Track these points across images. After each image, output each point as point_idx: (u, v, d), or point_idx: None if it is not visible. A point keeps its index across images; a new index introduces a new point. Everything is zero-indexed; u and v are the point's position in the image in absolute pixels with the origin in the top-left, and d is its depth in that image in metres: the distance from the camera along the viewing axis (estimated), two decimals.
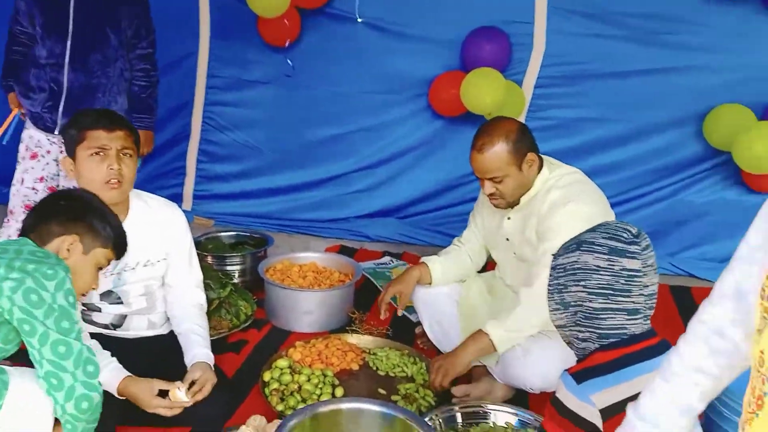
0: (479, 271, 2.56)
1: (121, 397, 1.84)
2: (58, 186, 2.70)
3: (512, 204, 2.19)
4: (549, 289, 1.39)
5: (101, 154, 1.87)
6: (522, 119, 3.48)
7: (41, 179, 2.69)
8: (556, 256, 1.40)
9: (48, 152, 2.70)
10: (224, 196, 3.88)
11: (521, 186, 2.15)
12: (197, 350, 1.98)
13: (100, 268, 1.70)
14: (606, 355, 1.30)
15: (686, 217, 3.46)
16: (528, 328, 2.06)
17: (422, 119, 3.72)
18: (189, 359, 1.98)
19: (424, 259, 2.44)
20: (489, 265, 2.78)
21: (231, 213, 3.84)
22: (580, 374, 1.29)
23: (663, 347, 1.32)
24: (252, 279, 2.90)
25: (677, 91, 3.35)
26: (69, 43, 2.59)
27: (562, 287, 1.36)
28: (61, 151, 2.63)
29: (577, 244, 1.35)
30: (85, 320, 2.01)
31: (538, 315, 2.00)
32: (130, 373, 1.85)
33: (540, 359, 2.01)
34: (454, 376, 2.13)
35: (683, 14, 3.27)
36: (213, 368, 1.96)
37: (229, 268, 2.89)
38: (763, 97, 3.21)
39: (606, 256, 1.30)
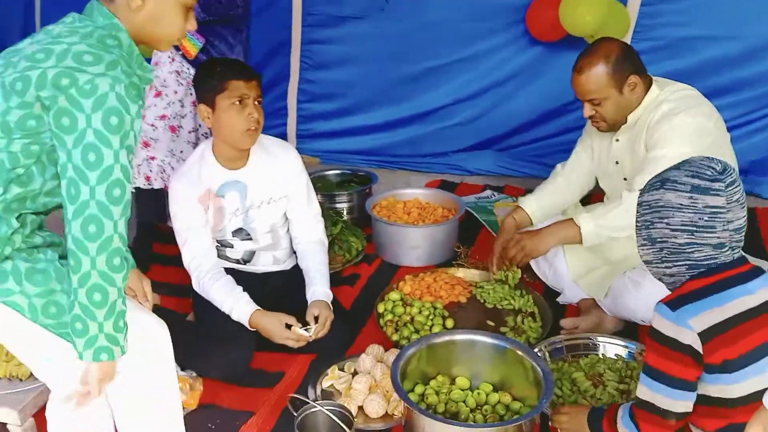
0: (584, 204, 2.55)
1: (251, 329, 2.02)
2: (179, 126, 2.76)
3: (614, 126, 2.16)
4: (636, 225, 1.42)
5: (241, 103, 1.98)
6: (628, 40, 3.31)
7: (162, 117, 2.74)
8: (642, 192, 1.42)
9: (175, 92, 2.73)
10: (326, 134, 3.99)
11: (622, 108, 2.12)
12: (316, 287, 2.13)
13: (188, 8, 1.41)
14: (698, 283, 1.34)
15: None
16: (618, 229, 2.07)
17: (519, 46, 3.61)
18: (309, 295, 2.13)
19: (519, 201, 2.45)
20: (594, 197, 2.75)
21: (333, 150, 3.95)
22: (675, 302, 1.33)
23: (755, 272, 1.36)
24: (360, 216, 3.02)
25: None
26: None
27: (649, 224, 1.39)
28: (189, 93, 2.72)
29: (661, 181, 1.38)
30: (219, 256, 2.20)
31: (631, 220, 2.01)
32: (259, 308, 2.02)
33: (652, 291, 2.00)
34: (532, 256, 2.23)
35: None
36: (330, 305, 2.11)
37: (338, 205, 3.02)
38: None
39: (688, 194, 1.32)
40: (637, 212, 1.43)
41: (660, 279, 1.44)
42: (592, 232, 2.09)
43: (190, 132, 2.77)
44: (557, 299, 2.39)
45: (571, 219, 2.14)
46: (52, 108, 1.24)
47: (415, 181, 3.58)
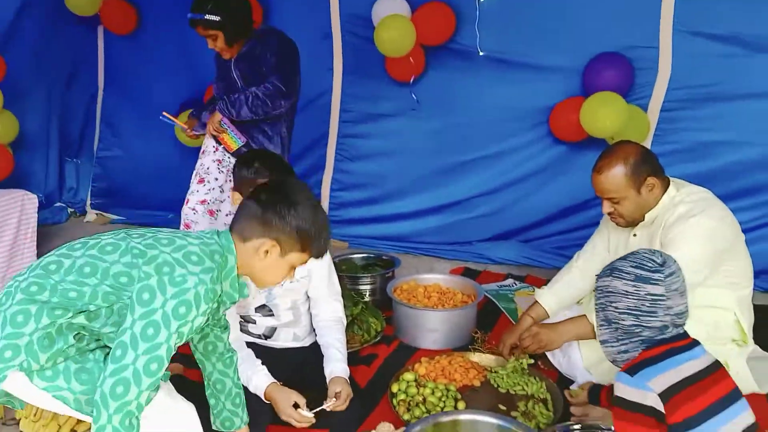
0: None
1: (266, 401, 2.11)
2: (218, 210, 3.03)
3: (632, 223, 2.26)
4: (595, 308, 1.60)
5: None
6: (648, 144, 3.47)
7: (203, 202, 3.03)
8: (597, 277, 1.61)
9: (215, 179, 3.05)
10: (356, 221, 4.18)
11: (640, 207, 2.22)
12: (336, 365, 2.22)
13: (294, 267, 1.71)
14: (650, 352, 1.51)
15: None
16: None
17: (544, 145, 3.80)
18: (328, 371, 2.21)
19: (536, 295, 2.55)
20: None
21: (362, 236, 4.12)
22: (632, 368, 1.49)
23: (695, 343, 1.56)
24: (381, 298, 3.13)
25: None
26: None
27: (603, 306, 1.58)
28: (228, 180, 2.99)
29: (610, 269, 1.58)
30: (242, 330, 2.32)
31: None
32: (275, 380, 2.11)
33: None
34: (546, 349, 2.34)
35: None
36: (349, 381, 2.19)
37: (360, 287, 3.14)
38: None
39: (632, 283, 1.52)
40: (596, 295, 1.61)
41: (613, 360, 1.61)
42: None
43: (227, 215, 2.99)
44: (570, 386, 2.42)
45: (585, 316, 2.24)
46: (144, 281, 1.47)
47: (439, 268, 3.69)
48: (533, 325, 2.38)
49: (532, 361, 2.43)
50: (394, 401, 2.32)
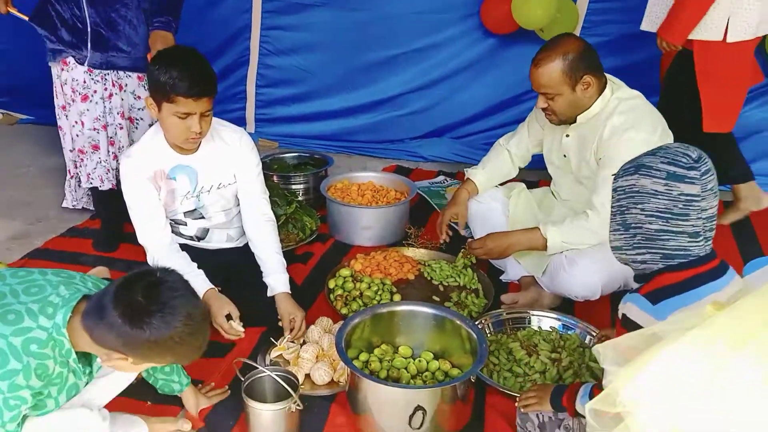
0: (530, 188, 2.67)
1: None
2: (107, 125, 2.69)
3: (566, 121, 2.25)
4: (611, 211, 1.42)
5: (185, 118, 1.97)
6: (576, 34, 3.45)
7: (96, 119, 2.68)
8: (616, 177, 1.43)
9: (95, 92, 2.65)
10: (285, 119, 4.04)
11: (574, 106, 2.19)
12: (276, 276, 2.17)
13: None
14: (675, 276, 1.34)
15: (745, 132, 3.40)
16: (581, 245, 2.18)
17: (474, 38, 3.73)
18: (269, 282, 2.17)
19: (467, 173, 2.57)
20: (540, 182, 2.89)
21: (292, 135, 4.01)
22: (653, 294, 1.34)
23: (723, 269, 1.37)
24: (314, 197, 3.10)
25: None
26: None
27: (623, 209, 1.39)
28: (105, 89, 2.65)
29: (635, 167, 1.37)
30: (173, 232, 2.25)
31: (595, 240, 2.14)
32: (213, 287, 2.08)
33: (584, 269, 2.14)
34: (495, 256, 2.33)
35: None
36: (289, 290, 2.16)
37: (293, 186, 3.09)
38: None
39: (664, 181, 1.33)
40: (612, 197, 1.43)
41: (626, 264, 1.45)
42: (557, 245, 2.19)
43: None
44: (501, 277, 2.52)
45: (538, 229, 2.21)
46: None
47: (372, 166, 3.67)
48: (485, 235, 2.34)
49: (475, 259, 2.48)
50: (331, 296, 2.35)
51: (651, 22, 2.85)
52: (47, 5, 2.60)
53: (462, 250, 2.51)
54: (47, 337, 1.37)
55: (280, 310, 2.12)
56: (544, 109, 2.23)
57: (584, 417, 1.46)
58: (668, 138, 2.21)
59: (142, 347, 1.31)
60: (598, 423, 1.18)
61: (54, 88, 2.73)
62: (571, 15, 3.45)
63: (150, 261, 2.16)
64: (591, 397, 1.46)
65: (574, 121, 2.24)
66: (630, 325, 1.35)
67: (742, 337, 1.04)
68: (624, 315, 1.39)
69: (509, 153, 2.55)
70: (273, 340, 2.10)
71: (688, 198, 1.32)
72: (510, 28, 3.49)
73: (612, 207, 1.42)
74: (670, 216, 1.33)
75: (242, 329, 2.03)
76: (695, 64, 2.73)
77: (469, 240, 2.43)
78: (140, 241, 2.17)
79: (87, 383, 1.55)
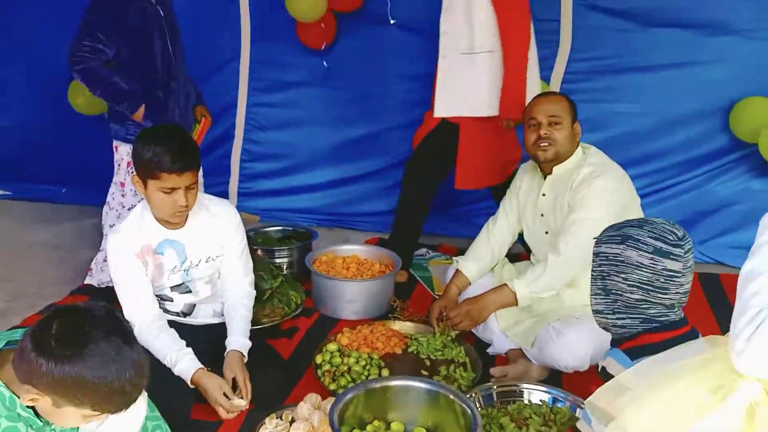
0: (512, 261, 2.73)
1: (191, 386, 2.04)
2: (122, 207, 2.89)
3: (556, 157, 2.36)
4: (592, 275, 1.46)
5: (171, 193, 2.00)
6: None
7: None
8: (599, 242, 1.47)
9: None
10: (267, 193, 4.09)
11: (569, 143, 2.36)
12: (234, 337, 2.16)
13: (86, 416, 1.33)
14: (654, 337, 1.40)
15: (714, 206, 3.56)
16: (548, 291, 2.31)
17: None
18: (226, 343, 2.15)
19: (458, 265, 2.61)
20: (522, 255, 2.95)
21: (274, 209, 4.04)
22: (633, 351, 1.39)
23: (694, 334, 1.43)
24: (299, 270, 3.11)
25: (703, 84, 3.45)
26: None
27: (605, 275, 1.43)
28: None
29: (622, 237, 1.41)
30: (160, 308, 2.22)
31: (560, 281, 2.29)
32: (203, 366, 2.05)
33: (573, 340, 2.18)
34: (479, 322, 2.42)
35: (708, 6, 3.36)
36: (245, 354, 2.13)
37: (278, 260, 3.09)
38: None
39: (650, 255, 1.37)
40: (594, 262, 1.47)
41: (605, 329, 1.50)
42: (526, 297, 2.30)
43: (129, 209, 2.82)
44: (487, 350, 2.52)
45: (506, 285, 2.33)
46: None
47: (354, 238, 3.70)
48: (461, 303, 2.44)
49: (458, 331, 2.49)
50: (319, 372, 2.32)
51: (443, 109, 3.09)
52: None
53: (439, 326, 2.52)
54: None
55: (225, 367, 2.08)
56: (544, 137, 2.34)
57: None
58: (633, 190, 2.36)
59: (50, 381, 1.22)
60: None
61: (118, 166, 2.87)
62: None
63: (137, 336, 2.12)
64: None
65: (550, 173, 2.39)
66: (608, 378, 1.41)
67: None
68: (603, 368, 1.46)
69: (495, 239, 2.62)
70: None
71: (670, 273, 1.38)
72: None
73: (593, 271, 1.47)
74: (650, 288, 1.38)
75: (243, 402, 2.00)
76: (461, 134, 3.04)
77: (447, 313, 2.45)
78: (126, 316, 2.13)
79: None
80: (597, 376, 2.29)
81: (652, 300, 1.40)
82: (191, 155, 2.02)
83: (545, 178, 2.45)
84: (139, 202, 2.74)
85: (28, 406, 1.34)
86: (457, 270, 2.60)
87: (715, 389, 1.12)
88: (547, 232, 2.47)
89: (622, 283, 1.41)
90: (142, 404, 1.63)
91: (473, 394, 2.15)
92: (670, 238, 1.38)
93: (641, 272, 1.39)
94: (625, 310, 1.43)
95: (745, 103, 3.33)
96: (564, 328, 2.22)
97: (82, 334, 1.23)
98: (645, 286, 1.39)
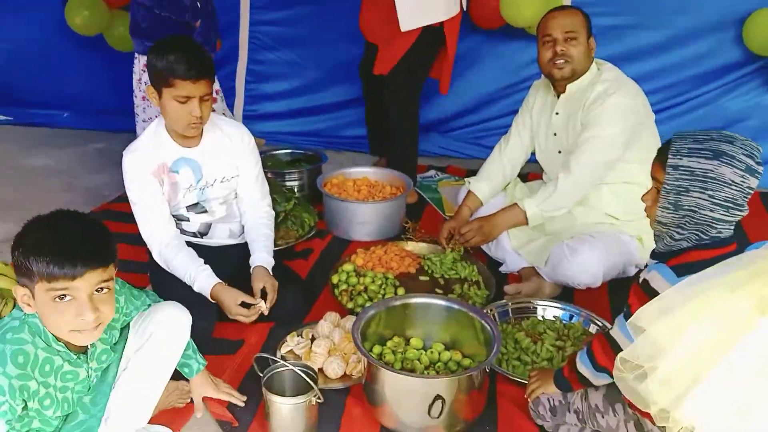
0: (524, 181, 2.73)
1: (212, 300, 2.09)
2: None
3: (573, 74, 2.31)
4: (665, 188, 1.39)
5: (185, 102, 1.99)
6: None
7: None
8: (679, 156, 1.38)
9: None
10: (272, 116, 4.03)
11: (585, 59, 2.30)
12: (258, 254, 2.22)
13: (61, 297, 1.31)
14: (704, 254, 1.37)
15: (726, 122, 3.53)
16: (559, 210, 2.33)
17: (461, 33, 3.73)
18: (251, 261, 2.22)
19: (470, 186, 2.60)
20: (531, 175, 2.95)
21: (280, 132, 4.00)
22: (682, 268, 1.36)
23: (740, 251, 1.40)
24: (310, 193, 3.11)
25: None
26: None
27: (682, 189, 1.37)
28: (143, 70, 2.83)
29: (714, 153, 1.34)
30: (177, 228, 2.24)
31: (571, 200, 2.31)
32: (221, 281, 2.09)
33: (586, 258, 2.21)
34: (490, 239, 2.46)
35: None
36: (270, 271, 2.18)
37: (288, 183, 3.09)
38: None
39: (742, 173, 1.33)
40: (670, 174, 1.39)
41: (659, 236, 1.45)
42: (537, 215, 2.32)
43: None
44: (500, 269, 2.56)
45: (516, 205, 2.35)
46: None
47: (362, 161, 3.68)
48: (474, 220, 2.46)
49: (468, 247, 2.52)
50: (336, 291, 2.36)
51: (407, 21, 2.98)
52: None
53: (449, 246, 2.55)
54: (20, 322, 1.36)
55: (252, 281, 2.14)
56: (561, 55, 2.27)
57: (586, 379, 1.56)
58: (648, 107, 2.34)
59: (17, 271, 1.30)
60: (624, 367, 1.26)
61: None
62: None
63: (156, 257, 2.16)
64: (589, 353, 1.54)
65: (563, 91, 2.35)
66: (650, 292, 1.38)
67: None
68: (645, 281, 1.41)
69: (507, 158, 2.60)
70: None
71: (750, 191, 1.34)
72: (497, 23, 3.53)
73: (666, 185, 1.39)
74: (732, 206, 1.34)
75: (263, 303, 2.08)
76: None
77: (462, 230, 2.47)
78: (144, 236, 2.16)
79: (94, 375, 1.50)
80: (606, 293, 2.37)
81: (728, 218, 1.35)
82: (205, 64, 2.02)
83: (558, 96, 2.41)
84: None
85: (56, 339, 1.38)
86: (469, 191, 2.60)
87: (761, 305, 1.11)
88: (560, 152, 2.46)
89: (706, 200, 1.34)
90: (181, 334, 1.68)
91: (488, 311, 2.20)
92: (757, 155, 1.33)
93: (730, 190, 1.33)
94: (692, 226, 1.37)
95: (759, 14, 3.24)
96: (577, 246, 2.24)
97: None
98: (729, 204, 1.33)
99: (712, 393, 1.16)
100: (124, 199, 2.71)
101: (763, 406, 1.15)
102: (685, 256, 1.39)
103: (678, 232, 1.40)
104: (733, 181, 1.33)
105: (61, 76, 4.15)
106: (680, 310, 1.18)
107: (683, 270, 1.35)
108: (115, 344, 1.56)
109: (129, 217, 2.20)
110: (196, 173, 2.18)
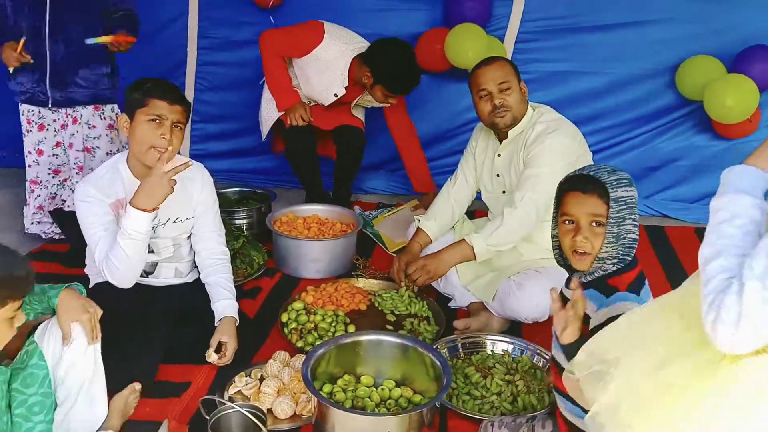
0: (471, 218, 2.79)
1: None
2: (94, 148, 2.84)
3: (514, 121, 2.39)
4: (610, 221, 1.46)
5: (157, 122, 2.01)
6: None
7: (57, 144, 2.81)
8: (613, 188, 1.47)
9: (54, 120, 2.78)
10: (219, 155, 4.00)
11: (521, 104, 2.40)
12: (222, 303, 2.19)
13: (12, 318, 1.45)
14: (633, 274, 1.50)
15: (660, 162, 3.71)
16: (505, 245, 2.37)
17: None
18: (216, 308, 2.19)
19: (420, 224, 2.65)
20: (477, 212, 3.01)
21: (227, 170, 3.96)
22: (632, 288, 1.48)
23: (642, 273, 1.55)
24: (259, 231, 3.09)
25: (651, 44, 3.55)
26: (47, 14, 2.61)
27: (621, 220, 1.46)
28: (63, 126, 2.78)
29: (629, 180, 1.49)
30: None
31: (517, 235, 2.36)
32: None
33: (532, 293, 2.26)
34: (436, 277, 2.46)
35: None
36: (237, 317, 2.18)
37: (237, 221, 3.06)
38: (733, 49, 3.41)
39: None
40: (612, 208, 1.46)
41: (593, 272, 1.51)
42: (483, 250, 2.35)
43: (107, 153, 2.82)
44: (449, 304, 2.58)
45: (464, 240, 2.38)
46: None
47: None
48: (419, 258, 2.49)
49: (419, 286, 2.53)
50: (286, 330, 2.34)
51: None
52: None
53: (403, 282, 2.56)
54: None
55: (216, 332, 2.11)
56: (500, 107, 2.36)
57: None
58: (585, 145, 2.45)
59: None
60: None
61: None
62: (499, 54, 3.63)
63: (99, 258, 2.07)
64: (556, 389, 1.59)
65: (506, 137, 2.42)
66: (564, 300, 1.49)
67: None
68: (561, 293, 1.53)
69: (454, 198, 2.66)
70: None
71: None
72: (443, 66, 3.64)
73: (611, 219, 1.47)
74: (636, 224, 1.49)
75: (215, 357, 2.09)
76: None
77: (408, 270, 2.49)
78: (98, 260, 2.07)
79: None
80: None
81: (636, 237, 1.48)
82: (182, 94, 2.10)
83: (501, 141, 2.49)
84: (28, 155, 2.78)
85: None
86: (419, 228, 2.64)
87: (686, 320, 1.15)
88: (504, 192, 2.53)
89: (632, 224, 1.46)
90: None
91: (438, 347, 2.21)
92: None
93: (636, 210, 1.49)
94: (622, 254, 1.48)
95: (690, 61, 3.44)
96: (523, 281, 2.29)
97: None
98: (636, 224, 1.49)
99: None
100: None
101: None
102: (623, 279, 1.48)
103: (611, 263, 1.49)
104: (635, 203, 1.48)
105: None
106: (623, 320, 1.22)
107: (634, 289, 1.46)
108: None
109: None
110: None
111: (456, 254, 2.39)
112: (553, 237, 1.63)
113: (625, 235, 1.46)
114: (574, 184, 1.55)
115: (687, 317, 1.11)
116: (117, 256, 1.98)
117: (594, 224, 1.50)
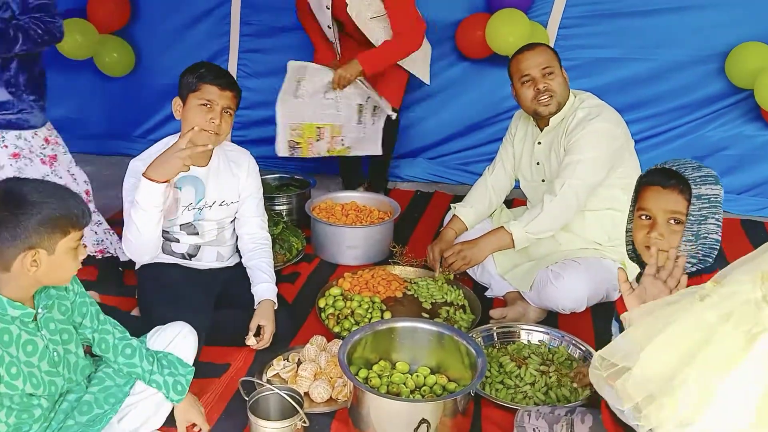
0: (509, 208, 2.77)
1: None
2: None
3: (557, 107, 2.35)
4: (690, 219, 1.40)
5: (208, 106, 2.08)
6: None
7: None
8: (697, 185, 1.40)
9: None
10: (261, 141, 4.05)
11: (565, 90, 2.35)
12: (261, 286, 2.24)
13: (76, 247, 1.49)
14: (709, 278, 1.39)
15: (707, 151, 3.59)
16: (544, 233, 2.33)
17: (449, 61, 3.83)
18: (255, 291, 2.24)
19: (456, 211, 2.64)
20: (516, 201, 2.99)
21: (268, 156, 4.01)
22: None
23: None
24: (298, 218, 3.13)
25: (700, 29, 3.44)
26: None
27: (702, 219, 1.39)
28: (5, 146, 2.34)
29: (715, 178, 1.41)
30: (164, 251, 2.26)
31: (557, 223, 2.32)
32: None
33: (570, 283, 2.23)
34: (472, 264, 2.43)
35: None
36: (276, 301, 2.23)
37: (277, 207, 3.11)
38: None
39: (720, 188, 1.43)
40: (694, 205, 1.40)
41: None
42: (522, 238, 2.33)
43: None
44: (485, 293, 2.58)
45: (503, 228, 2.35)
46: None
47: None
48: (456, 244, 2.47)
49: (455, 272, 2.54)
50: (323, 315, 2.37)
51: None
52: None
53: (439, 268, 2.57)
54: None
55: (254, 315, 2.16)
56: (544, 92, 2.32)
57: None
58: (628, 133, 2.40)
59: (30, 233, 1.38)
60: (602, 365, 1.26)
61: None
62: (541, 40, 3.57)
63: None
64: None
65: (547, 124, 2.39)
66: None
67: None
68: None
69: (492, 185, 2.65)
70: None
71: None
72: (484, 53, 3.60)
73: (691, 217, 1.40)
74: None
75: (254, 341, 2.14)
76: None
77: (444, 255, 2.49)
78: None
79: (53, 348, 1.52)
80: (590, 318, 2.39)
81: (718, 238, 1.40)
82: (233, 81, 2.16)
83: (542, 129, 2.45)
84: None
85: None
86: (454, 215, 2.64)
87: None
88: (543, 180, 2.50)
89: (714, 224, 1.39)
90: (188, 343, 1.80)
91: (474, 335, 2.22)
92: None
93: (721, 210, 1.40)
94: (702, 254, 1.41)
95: (741, 48, 3.33)
96: (562, 271, 2.27)
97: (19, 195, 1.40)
98: (720, 224, 1.40)
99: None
100: (112, 221, 2.75)
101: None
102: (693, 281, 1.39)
103: (690, 263, 1.41)
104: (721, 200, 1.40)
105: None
106: (659, 312, 1.20)
107: None
108: (65, 317, 1.60)
109: None
110: (198, 192, 2.21)
111: (494, 241, 2.37)
112: (627, 231, 1.58)
113: (706, 235, 1.39)
114: (653, 178, 1.49)
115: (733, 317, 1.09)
116: (130, 230, 2.06)
117: (672, 221, 1.45)
